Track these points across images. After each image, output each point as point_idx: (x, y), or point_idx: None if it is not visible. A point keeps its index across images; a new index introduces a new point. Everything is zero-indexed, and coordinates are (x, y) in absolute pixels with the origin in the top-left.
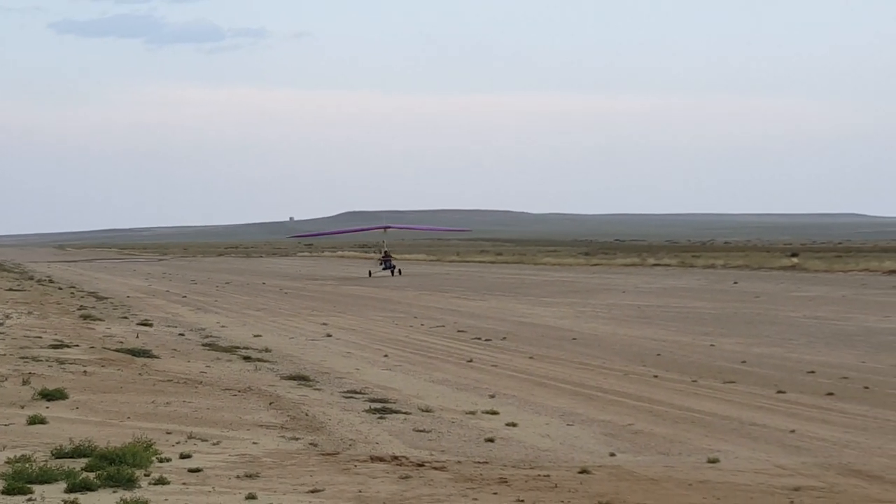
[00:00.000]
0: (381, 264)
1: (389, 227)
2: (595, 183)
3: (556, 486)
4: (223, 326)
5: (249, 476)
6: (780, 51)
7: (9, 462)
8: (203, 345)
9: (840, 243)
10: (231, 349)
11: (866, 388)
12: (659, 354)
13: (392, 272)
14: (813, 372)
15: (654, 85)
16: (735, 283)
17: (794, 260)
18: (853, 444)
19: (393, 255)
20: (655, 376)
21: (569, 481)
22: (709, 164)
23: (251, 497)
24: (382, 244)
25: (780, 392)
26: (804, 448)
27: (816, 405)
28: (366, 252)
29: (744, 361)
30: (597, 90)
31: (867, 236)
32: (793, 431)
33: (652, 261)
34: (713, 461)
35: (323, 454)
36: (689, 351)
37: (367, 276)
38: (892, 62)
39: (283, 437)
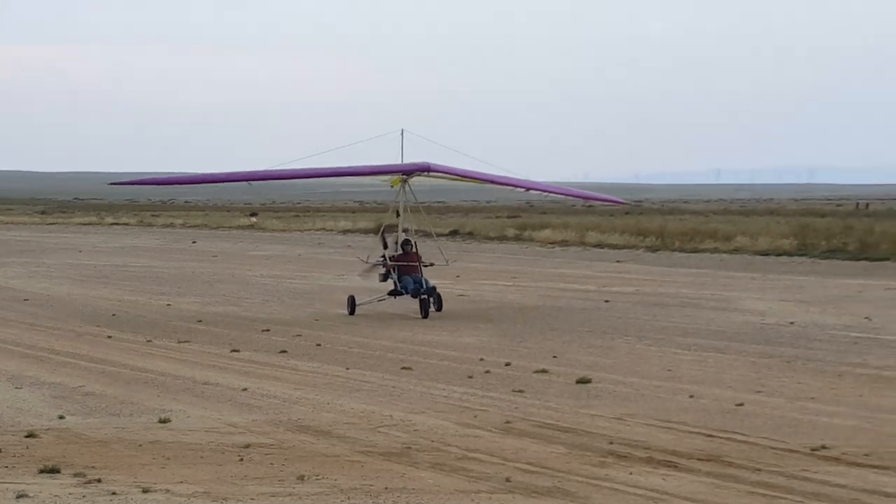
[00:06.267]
0: (382, 265)
1: (429, 171)
2: (54, 140)
3: (0, 451)
4: None
5: None
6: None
7: None
8: None
9: (298, 203)
10: None
11: (318, 345)
12: (114, 315)
13: (421, 295)
14: (268, 330)
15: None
16: (194, 242)
17: (253, 219)
18: (303, 401)
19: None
20: (109, 337)
21: (14, 446)
22: (177, 124)
23: None
24: (395, 213)
25: (234, 351)
26: (256, 406)
27: (269, 363)
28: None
29: (200, 321)
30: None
31: (325, 196)
32: (245, 390)
33: (110, 220)
34: (165, 421)
35: None
36: (145, 310)
37: (347, 310)
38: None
39: None
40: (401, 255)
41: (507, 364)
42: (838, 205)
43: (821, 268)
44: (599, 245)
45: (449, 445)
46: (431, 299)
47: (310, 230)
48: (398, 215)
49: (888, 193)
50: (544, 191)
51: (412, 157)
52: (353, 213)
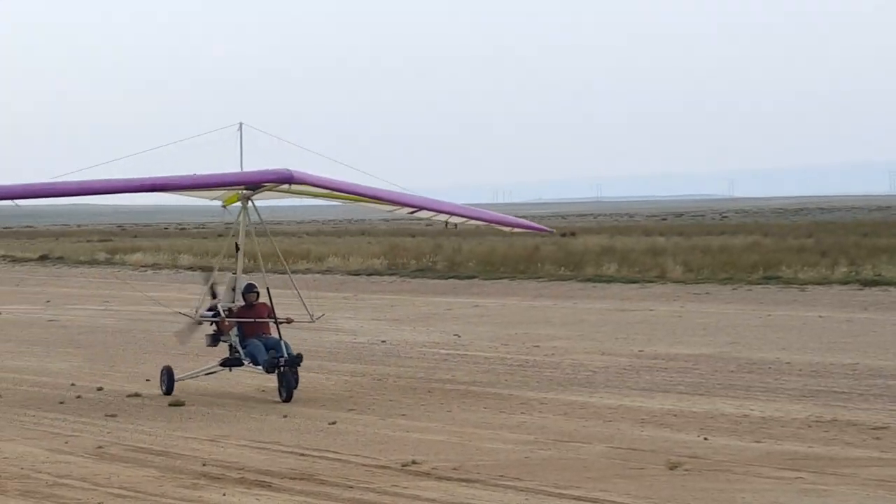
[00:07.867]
0: (211, 322)
1: (291, 183)
2: None
3: None
4: None
5: None
6: None
7: None
8: None
9: None
10: None
11: None
12: None
13: (281, 367)
14: None
15: None
16: None
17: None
18: None
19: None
20: None
21: None
22: None
23: None
24: (235, 245)
25: None
26: None
27: None
28: None
29: None
30: None
31: None
32: None
33: None
34: None
35: None
36: None
37: (163, 388)
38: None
39: None
40: (242, 307)
41: (100, 389)
42: (427, 224)
43: (411, 286)
44: (192, 268)
45: (39, 472)
46: (292, 370)
47: None
48: (238, 248)
49: None
50: (441, 211)
51: (253, 162)
52: None
